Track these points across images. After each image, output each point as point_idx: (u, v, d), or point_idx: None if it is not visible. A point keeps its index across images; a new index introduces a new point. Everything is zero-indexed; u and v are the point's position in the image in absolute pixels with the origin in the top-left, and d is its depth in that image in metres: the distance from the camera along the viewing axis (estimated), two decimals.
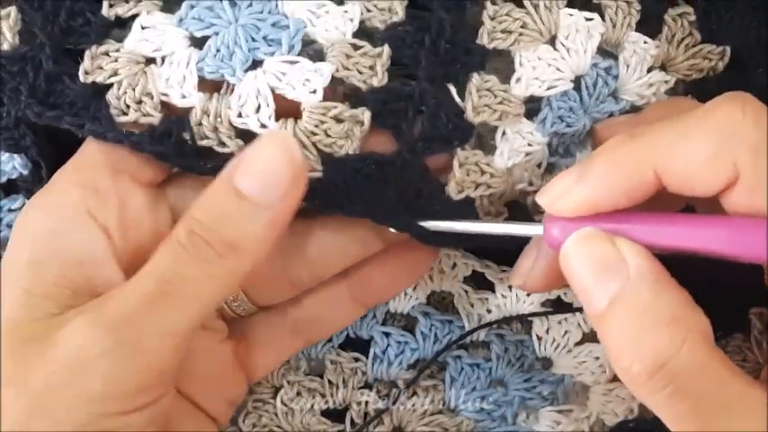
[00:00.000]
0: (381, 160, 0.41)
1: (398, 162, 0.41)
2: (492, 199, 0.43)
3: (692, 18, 0.46)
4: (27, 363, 0.39)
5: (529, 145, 0.43)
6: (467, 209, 0.42)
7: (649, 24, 0.45)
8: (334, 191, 0.42)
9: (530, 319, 0.52)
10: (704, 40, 0.46)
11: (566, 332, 0.52)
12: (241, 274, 0.41)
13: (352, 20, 0.42)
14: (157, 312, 0.39)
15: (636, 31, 0.45)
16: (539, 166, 0.44)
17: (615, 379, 0.52)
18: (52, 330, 0.40)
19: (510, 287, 0.52)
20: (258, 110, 0.41)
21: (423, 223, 0.42)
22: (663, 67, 0.46)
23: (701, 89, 0.45)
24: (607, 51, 0.45)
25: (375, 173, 0.41)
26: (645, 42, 0.45)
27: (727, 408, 0.36)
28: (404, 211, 0.42)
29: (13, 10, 0.44)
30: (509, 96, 0.43)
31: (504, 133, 0.43)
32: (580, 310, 0.52)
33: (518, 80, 0.43)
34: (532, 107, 0.44)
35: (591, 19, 0.43)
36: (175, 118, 0.42)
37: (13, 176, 0.48)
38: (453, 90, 0.42)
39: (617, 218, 0.38)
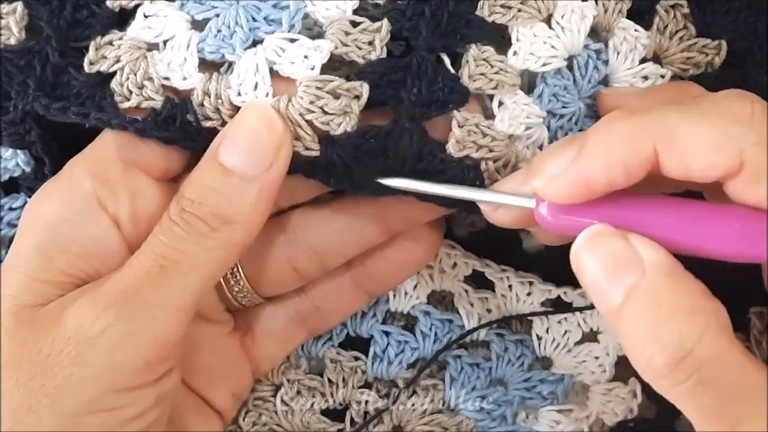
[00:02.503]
0: (381, 133, 0.42)
1: (398, 132, 0.42)
2: (498, 166, 0.43)
3: (686, 10, 0.46)
4: (30, 345, 0.40)
5: (528, 117, 0.43)
6: (473, 172, 0.43)
7: (644, 17, 0.46)
8: (333, 169, 0.42)
9: (530, 318, 0.52)
10: (700, 33, 0.46)
11: (565, 332, 0.52)
12: (237, 246, 0.41)
13: None
14: (157, 286, 0.40)
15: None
16: (540, 147, 0.44)
17: (615, 378, 0.52)
18: (55, 313, 0.40)
19: (510, 287, 0.52)
20: (256, 87, 0.42)
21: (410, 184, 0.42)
22: (658, 61, 0.46)
23: (700, 85, 0.45)
24: (600, 38, 0.45)
25: (375, 147, 0.42)
26: (636, 30, 0.45)
27: (751, 397, 0.36)
28: (406, 177, 0.42)
29: (19, 5, 0.44)
30: (505, 67, 0.43)
31: (501, 103, 0.43)
32: (580, 309, 0.52)
33: (515, 53, 0.43)
34: (529, 84, 0.45)
35: (585, 0, 0.44)
36: (178, 101, 0.42)
37: (16, 174, 0.48)
38: (447, 60, 0.43)
39: (615, 206, 0.38)
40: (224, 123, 0.42)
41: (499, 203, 0.42)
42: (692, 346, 0.35)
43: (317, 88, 0.41)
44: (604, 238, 0.38)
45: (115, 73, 0.43)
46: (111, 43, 0.43)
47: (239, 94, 0.42)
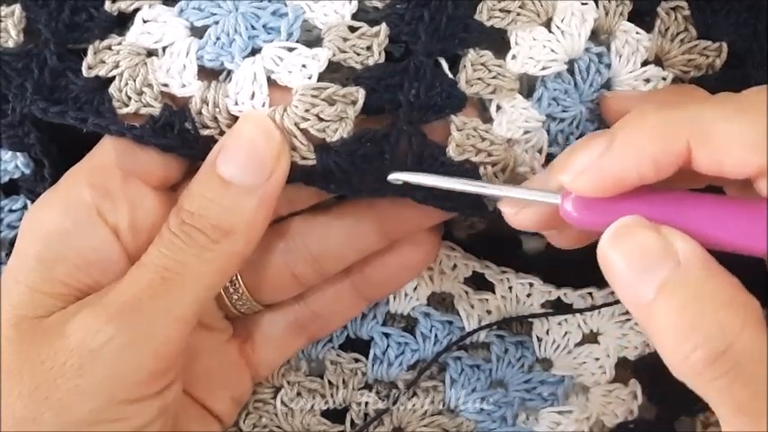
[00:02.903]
0: (377, 136, 0.42)
1: (395, 135, 0.42)
2: (496, 170, 0.43)
3: (687, 13, 0.46)
4: (33, 356, 0.40)
5: (526, 121, 0.43)
6: (472, 175, 0.42)
7: (645, 20, 0.46)
8: (331, 176, 0.42)
9: (530, 320, 0.52)
10: (700, 35, 0.46)
11: (566, 333, 0.52)
12: (237, 257, 0.42)
13: (351, 1, 0.42)
14: (159, 298, 0.40)
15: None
16: (539, 151, 0.44)
17: (615, 380, 0.52)
18: (57, 325, 0.40)
19: (510, 288, 0.52)
20: (253, 97, 0.42)
21: (421, 178, 0.42)
22: (659, 63, 0.46)
23: (700, 86, 0.45)
24: (601, 41, 0.45)
25: (372, 150, 0.42)
26: (637, 33, 0.45)
27: None
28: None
29: (17, 8, 0.44)
30: (503, 71, 0.43)
31: (499, 107, 0.43)
32: (580, 311, 0.52)
33: (513, 57, 0.43)
34: (529, 87, 0.44)
35: (585, 3, 0.44)
36: (177, 108, 0.42)
37: (15, 176, 0.48)
38: (445, 64, 0.43)
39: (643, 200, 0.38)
40: (222, 132, 0.42)
41: (524, 200, 0.41)
42: (733, 340, 0.34)
43: (313, 96, 0.41)
44: (635, 230, 0.37)
45: (114, 78, 0.43)
46: (109, 48, 0.43)
47: (236, 103, 0.42)
